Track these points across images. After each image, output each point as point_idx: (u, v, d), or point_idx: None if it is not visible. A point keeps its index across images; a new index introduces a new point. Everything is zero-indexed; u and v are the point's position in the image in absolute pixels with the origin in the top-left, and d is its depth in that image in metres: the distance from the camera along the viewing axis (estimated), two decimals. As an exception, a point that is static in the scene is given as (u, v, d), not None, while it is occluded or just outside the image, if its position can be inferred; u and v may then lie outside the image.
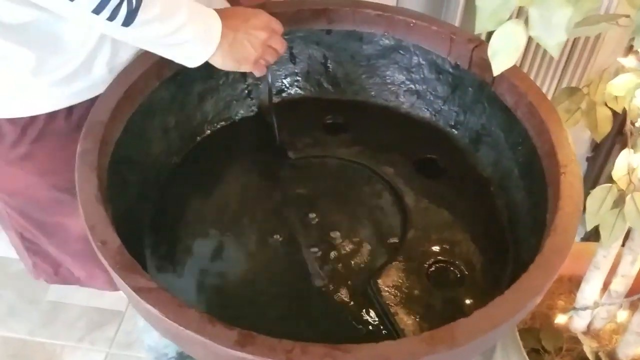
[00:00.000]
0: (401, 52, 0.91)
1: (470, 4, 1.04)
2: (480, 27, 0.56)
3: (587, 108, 0.87)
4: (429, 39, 0.87)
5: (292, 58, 0.93)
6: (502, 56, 0.54)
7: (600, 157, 1.38)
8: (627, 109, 0.79)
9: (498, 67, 0.54)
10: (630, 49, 0.91)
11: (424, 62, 0.90)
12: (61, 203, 0.81)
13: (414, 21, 0.87)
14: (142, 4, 0.61)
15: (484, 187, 0.83)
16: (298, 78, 0.95)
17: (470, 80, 0.86)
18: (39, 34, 0.62)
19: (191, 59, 0.70)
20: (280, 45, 0.77)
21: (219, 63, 0.73)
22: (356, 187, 0.84)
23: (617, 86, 0.76)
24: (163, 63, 0.74)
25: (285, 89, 0.96)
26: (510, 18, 0.54)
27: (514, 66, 0.59)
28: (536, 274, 0.55)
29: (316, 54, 0.93)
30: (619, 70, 0.81)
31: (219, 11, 0.72)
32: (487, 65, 0.81)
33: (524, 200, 0.76)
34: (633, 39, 0.80)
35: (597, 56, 1.09)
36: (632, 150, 0.76)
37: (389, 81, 0.95)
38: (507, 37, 0.53)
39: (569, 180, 0.64)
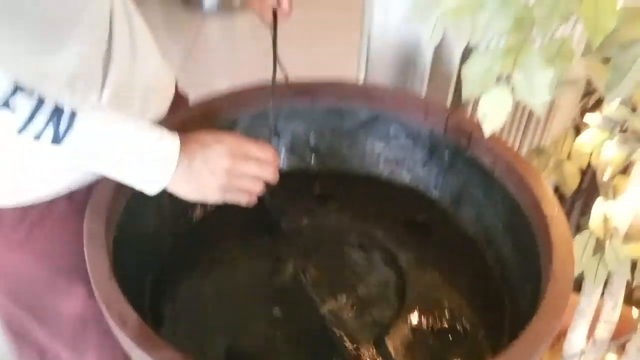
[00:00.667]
0: (379, 123, 0.97)
1: (434, 76, 1.13)
2: (467, 94, 0.61)
3: (555, 165, 0.94)
4: (405, 110, 0.93)
5: (277, 133, 0.97)
6: (492, 118, 0.59)
7: (565, 209, 1.46)
8: (594, 163, 0.86)
9: (489, 128, 0.59)
10: (585, 108, 1.00)
11: (401, 132, 0.96)
12: (56, 285, 0.80)
13: (390, 95, 0.94)
14: (74, 127, 0.60)
15: (472, 244, 0.87)
16: (283, 151, 0.99)
17: (446, 145, 0.91)
18: None
19: (146, 187, 0.66)
20: (258, 171, 0.70)
21: (179, 192, 0.68)
22: (350, 252, 0.87)
23: (584, 143, 0.83)
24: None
25: (271, 164, 0.99)
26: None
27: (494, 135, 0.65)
28: (545, 318, 0.58)
29: (299, 128, 0.98)
30: (581, 127, 0.88)
31: (182, 134, 0.67)
32: (461, 130, 0.88)
33: (513, 252, 0.80)
34: (584, 98, 0.88)
35: (555, 115, 1.18)
36: (604, 199, 0.83)
37: (369, 151, 1.00)
38: (494, 101, 0.59)
39: (557, 230, 0.69)
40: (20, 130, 0.59)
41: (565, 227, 0.69)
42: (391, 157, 0.98)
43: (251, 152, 0.70)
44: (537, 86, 0.56)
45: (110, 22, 0.74)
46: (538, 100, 0.56)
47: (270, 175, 0.72)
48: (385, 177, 0.99)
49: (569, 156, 0.94)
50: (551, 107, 1.16)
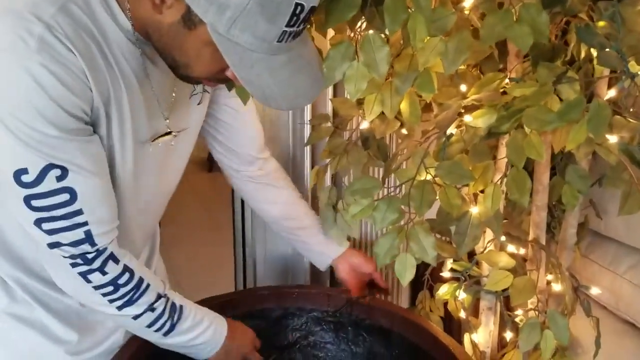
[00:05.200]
0: (289, 317, 1.19)
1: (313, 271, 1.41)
2: (381, 263, 0.91)
3: (425, 315, 1.24)
4: (310, 301, 1.18)
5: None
6: (406, 273, 0.88)
7: None
8: (450, 309, 1.19)
9: (406, 280, 0.88)
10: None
11: (309, 320, 1.19)
12: None
13: (296, 291, 1.18)
14: (181, 319, 0.89)
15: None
16: None
17: (347, 322, 1.16)
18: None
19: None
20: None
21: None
22: None
23: (443, 294, 1.16)
24: None
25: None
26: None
27: (384, 300, 0.92)
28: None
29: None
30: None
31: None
32: (359, 307, 1.14)
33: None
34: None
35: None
36: (469, 333, 1.14)
37: (285, 343, 1.19)
38: (402, 262, 0.89)
39: (457, 350, 0.96)
40: (150, 325, 0.86)
41: (460, 348, 0.97)
42: (305, 343, 1.19)
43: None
44: (427, 246, 0.88)
45: None
46: (430, 256, 0.88)
47: None
48: (303, 361, 1.18)
49: (430, 309, 1.26)
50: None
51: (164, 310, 0.87)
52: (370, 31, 0.80)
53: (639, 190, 1.03)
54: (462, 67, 1.04)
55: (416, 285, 1.58)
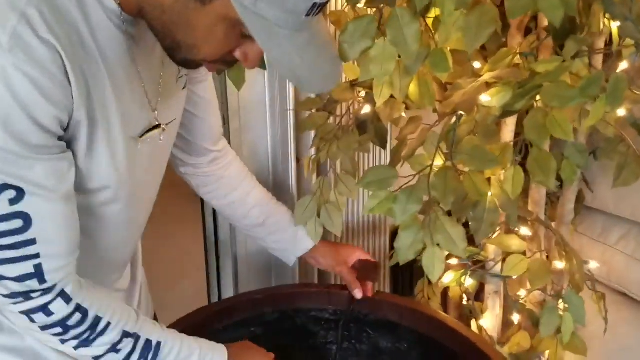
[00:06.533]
0: (287, 320, 1.10)
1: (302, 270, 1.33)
2: (403, 259, 0.85)
3: (425, 304, 1.20)
4: (310, 301, 1.10)
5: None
6: (434, 270, 0.82)
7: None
8: (452, 296, 1.15)
9: (435, 276, 0.82)
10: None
11: (307, 320, 1.11)
12: None
13: (293, 291, 1.10)
14: (158, 357, 0.75)
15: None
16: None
17: (350, 319, 1.09)
18: None
19: None
20: None
21: None
22: None
23: (448, 281, 1.12)
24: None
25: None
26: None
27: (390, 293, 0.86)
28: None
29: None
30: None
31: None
32: (363, 303, 1.07)
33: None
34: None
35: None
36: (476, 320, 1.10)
37: (284, 347, 1.11)
38: (431, 257, 0.82)
39: (476, 337, 0.92)
40: None
41: (482, 338, 0.93)
42: (307, 346, 1.12)
43: None
44: (456, 238, 0.82)
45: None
46: (460, 246, 0.82)
47: None
48: (305, 365, 1.11)
49: (429, 298, 1.22)
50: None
51: (133, 350, 0.74)
52: (398, 6, 0.72)
53: (635, 161, 1.03)
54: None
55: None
